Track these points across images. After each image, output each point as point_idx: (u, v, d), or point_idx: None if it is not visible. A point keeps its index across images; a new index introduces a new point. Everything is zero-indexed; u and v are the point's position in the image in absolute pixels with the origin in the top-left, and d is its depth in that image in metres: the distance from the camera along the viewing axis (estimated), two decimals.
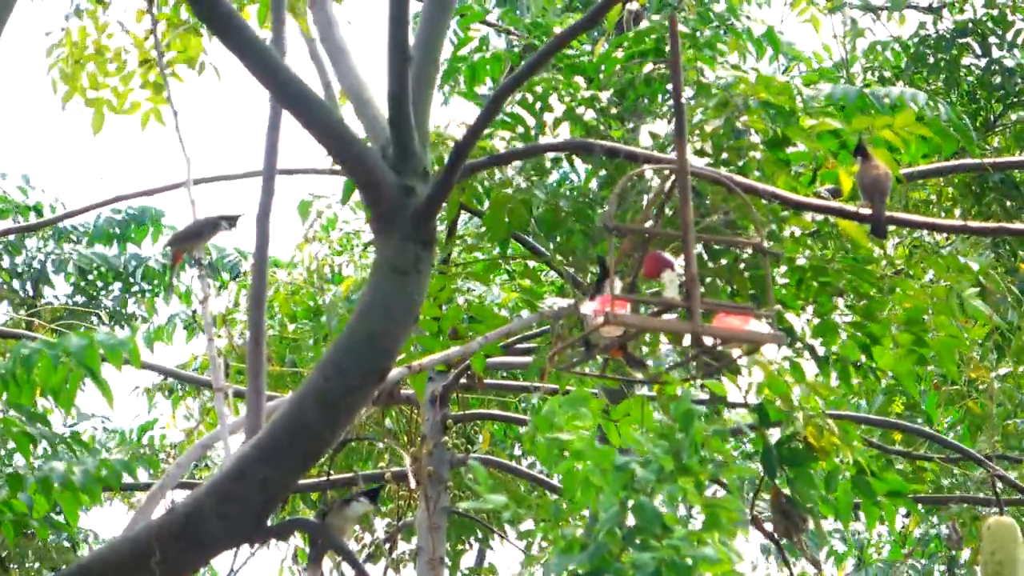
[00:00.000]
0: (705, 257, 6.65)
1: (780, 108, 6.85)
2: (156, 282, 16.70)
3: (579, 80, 7.30)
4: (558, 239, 6.95)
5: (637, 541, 4.27)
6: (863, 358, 6.99)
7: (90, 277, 16.71)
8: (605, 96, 7.16)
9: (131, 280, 16.68)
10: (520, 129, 7.33)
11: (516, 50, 9.69)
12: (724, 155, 6.76)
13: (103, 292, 16.78)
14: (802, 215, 6.74)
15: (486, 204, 7.29)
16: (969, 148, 7.67)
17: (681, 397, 4.51)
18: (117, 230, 16.72)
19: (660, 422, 4.57)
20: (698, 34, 7.40)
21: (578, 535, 4.40)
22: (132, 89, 9.99)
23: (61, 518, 8.89)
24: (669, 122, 6.97)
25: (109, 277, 16.72)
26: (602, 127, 7.10)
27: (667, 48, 7.06)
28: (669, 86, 7.09)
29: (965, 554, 14.11)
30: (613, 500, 4.36)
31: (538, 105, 7.42)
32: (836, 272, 6.76)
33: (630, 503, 4.33)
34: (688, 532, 4.30)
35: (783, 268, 6.82)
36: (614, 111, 7.16)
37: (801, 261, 6.72)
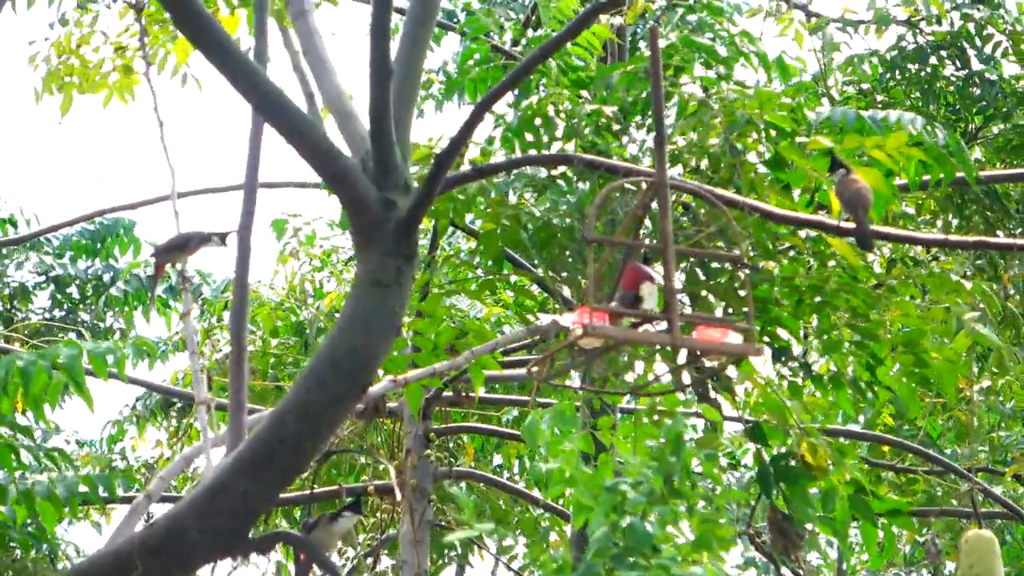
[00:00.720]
0: (701, 274, 6.67)
1: (781, 128, 6.87)
2: (134, 296, 16.63)
3: (585, 94, 7.29)
4: (551, 255, 6.95)
5: (627, 561, 4.28)
6: (865, 377, 7.00)
7: (68, 291, 16.67)
8: (609, 110, 7.15)
9: (110, 293, 16.62)
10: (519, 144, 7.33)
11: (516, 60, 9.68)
12: (719, 172, 6.77)
13: (81, 306, 16.73)
14: (797, 233, 6.75)
15: (469, 218, 7.30)
16: (967, 174, 7.67)
17: (673, 419, 4.52)
18: (98, 244, 16.66)
19: (651, 447, 4.57)
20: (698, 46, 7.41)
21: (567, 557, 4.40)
22: (105, 73, 10.03)
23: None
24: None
25: (87, 290, 16.67)
26: (600, 144, 7.10)
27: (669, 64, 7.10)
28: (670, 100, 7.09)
29: (951, 566, 14.12)
30: (603, 521, 4.37)
31: (537, 120, 7.42)
32: (833, 291, 6.77)
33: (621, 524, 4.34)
34: (678, 551, 4.31)
35: (777, 288, 6.83)
36: (616, 127, 7.15)
37: (799, 279, 6.73)
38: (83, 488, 7.01)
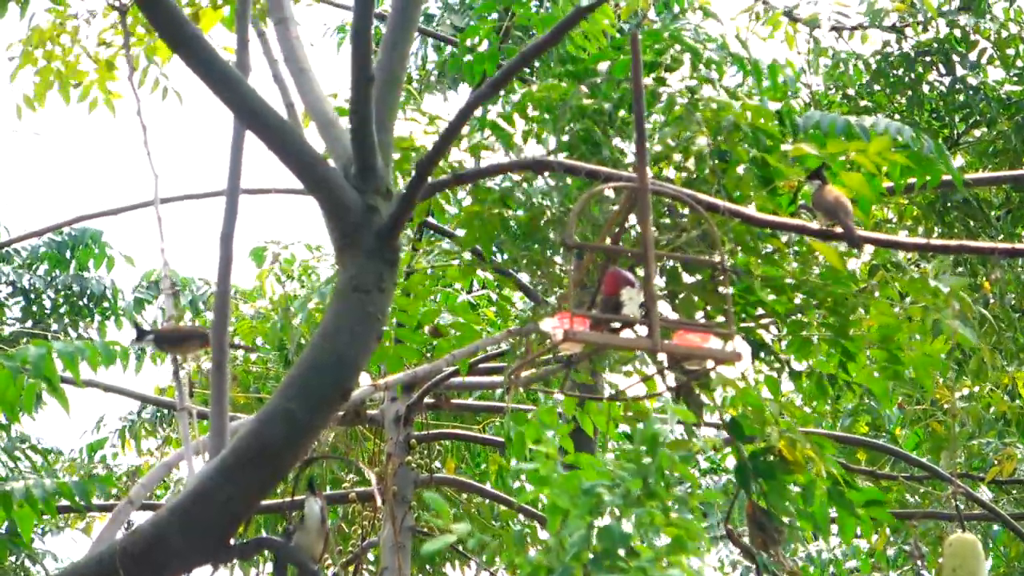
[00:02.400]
0: (681, 272, 6.67)
1: (769, 133, 6.89)
2: (105, 305, 16.56)
3: (582, 88, 7.28)
4: (532, 248, 6.95)
5: (604, 564, 4.29)
6: (839, 372, 7.02)
7: (41, 302, 16.61)
8: (608, 106, 7.15)
9: (80, 303, 16.56)
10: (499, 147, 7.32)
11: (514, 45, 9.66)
12: (706, 171, 6.79)
13: (51, 316, 16.67)
14: (778, 235, 6.77)
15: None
16: (955, 179, 7.70)
17: (648, 421, 4.53)
18: (67, 253, 16.60)
19: (625, 450, 4.58)
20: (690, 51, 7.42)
21: (543, 560, 4.41)
22: (82, 68, 10.05)
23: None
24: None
25: (58, 301, 16.62)
26: (595, 132, 7.08)
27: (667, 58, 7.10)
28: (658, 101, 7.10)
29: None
30: (580, 524, 4.38)
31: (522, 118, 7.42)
32: (815, 285, 6.79)
33: (596, 526, 4.35)
34: (655, 554, 4.31)
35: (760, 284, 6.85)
36: (606, 121, 7.14)
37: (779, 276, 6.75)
38: (60, 494, 6.98)
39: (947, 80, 12.75)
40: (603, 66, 7.18)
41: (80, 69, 10.18)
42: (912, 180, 7.80)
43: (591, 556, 4.28)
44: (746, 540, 7.16)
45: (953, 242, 8.53)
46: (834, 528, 7.52)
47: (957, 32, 12.69)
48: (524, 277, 8.40)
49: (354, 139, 6.23)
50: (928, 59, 12.71)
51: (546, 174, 6.73)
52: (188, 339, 7.91)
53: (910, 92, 12.66)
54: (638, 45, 5.70)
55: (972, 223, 12.01)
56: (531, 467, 4.51)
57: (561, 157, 6.84)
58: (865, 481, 11.78)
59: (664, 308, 6.26)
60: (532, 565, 4.33)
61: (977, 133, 12.89)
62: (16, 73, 10.16)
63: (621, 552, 4.25)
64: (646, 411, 7.10)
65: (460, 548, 12.22)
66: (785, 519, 6.88)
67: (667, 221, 6.58)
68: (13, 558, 14.08)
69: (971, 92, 12.61)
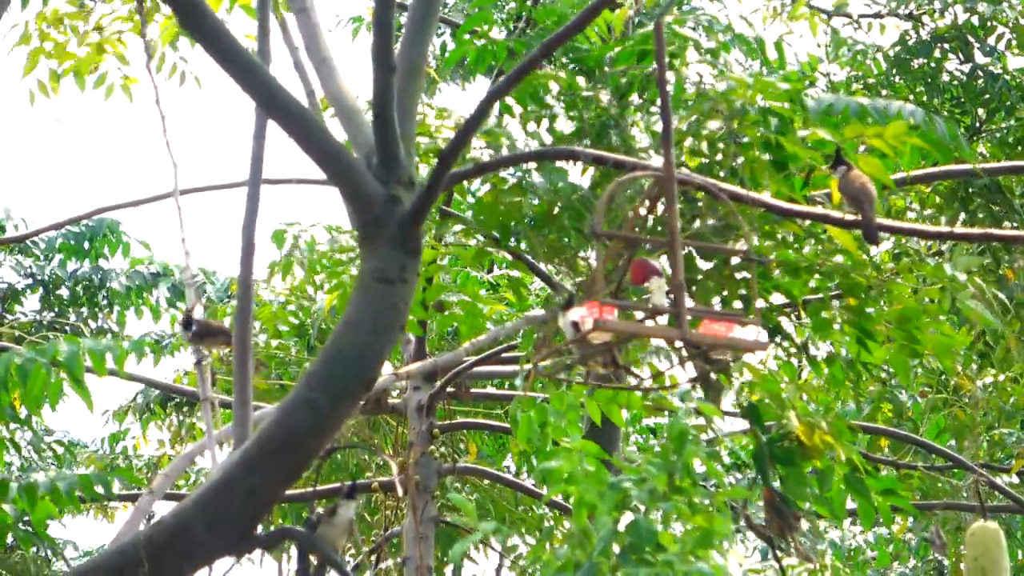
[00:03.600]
0: (697, 258, 6.66)
1: (780, 114, 6.86)
2: (125, 297, 16.58)
3: (580, 81, 7.27)
4: (549, 236, 6.93)
5: (632, 558, 4.28)
6: (857, 353, 7.01)
7: (60, 293, 16.64)
8: (605, 97, 7.13)
9: (99, 295, 16.59)
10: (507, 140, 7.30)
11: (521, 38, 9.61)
12: (719, 156, 6.77)
13: (71, 307, 16.70)
14: (794, 221, 6.75)
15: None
16: (965, 157, 7.67)
17: (674, 417, 4.52)
18: (85, 244, 16.63)
19: (652, 447, 4.58)
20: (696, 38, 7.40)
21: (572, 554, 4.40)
22: (100, 57, 10.04)
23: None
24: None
25: (77, 291, 16.64)
26: (600, 123, 7.07)
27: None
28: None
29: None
30: (607, 519, 4.36)
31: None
32: (832, 268, 6.78)
33: (624, 521, 4.34)
34: (681, 548, 4.30)
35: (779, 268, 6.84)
36: (613, 111, 7.13)
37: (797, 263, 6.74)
38: (81, 486, 6.99)
39: (966, 68, 12.70)
40: (609, 55, 7.16)
41: (92, 54, 10.16)
42: (926, 170, 7.78)
43: (618, 550, 4.27)
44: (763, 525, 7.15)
45: (977, 230, 8.51)
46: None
47: (975, 19, 12.64)
48: (542, 264, 8.37)
49: (376, 129, 6.21)
50: (946, 46, 12.65)
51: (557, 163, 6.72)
52: (217, 334, 7.92)
53: (929, 80, 12.61)
54: (662, 34, 5.68)
55: (996, 209, 11.94)
56: (555, 465, 4.49)
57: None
58: (885, 471, 11.77)
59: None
60: (561, 561, 4.32)
61: (1001, 123, 12.82)
62: (35, 59, 10.14)
63: (648, 547, 4.23)
64: (668, 403, 7.07)
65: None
66: (802, 505, 6.88)
67: (681, 207, 6.55)
68: (34, 549, 14.12)
69: (991, 79, 12.55)
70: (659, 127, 7.05)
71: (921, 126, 7.26)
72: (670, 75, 7.04)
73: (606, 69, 7.34)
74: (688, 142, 6.91)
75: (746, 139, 6.92)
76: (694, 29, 7.61)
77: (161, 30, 10.18)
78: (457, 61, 11.19)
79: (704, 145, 6.88)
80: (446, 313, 8.71)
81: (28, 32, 10.10)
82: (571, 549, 4.36)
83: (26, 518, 7.21)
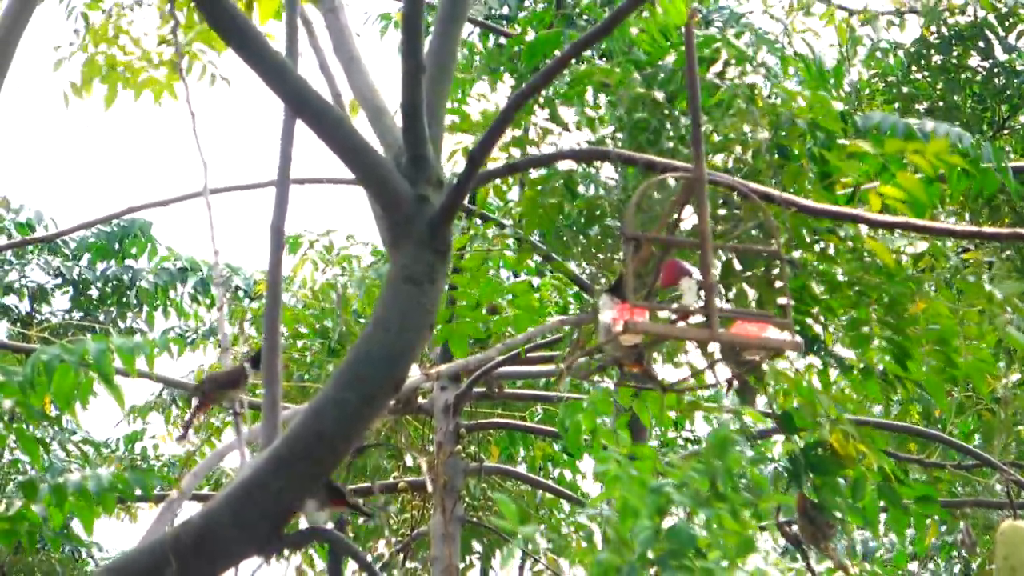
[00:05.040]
0: (737, 266, 6.64)
1: (828, 131, 6.85)
2: (153, 295, 16.63)
3: (635, 77, 7.24)
4: (589, 237, 6.92)
5: (672, 564, 4.27)
6: (895, 370, 6.98)
7: (89, 292, 16.70)
8: (659, 95, 7.11)
9: (127, 295, 16.65)
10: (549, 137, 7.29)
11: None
12: (763, 166, 6.76)
13: (100, 307, 16.75)
14: (835, 232, 6.73)
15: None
16: (1011, 189, 7.66)
17: (721, 425, 4.51)
18: (115, 245, 16.69)
19: (695, 454, 4.57)
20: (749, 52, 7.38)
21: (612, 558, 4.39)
22: (145, 68, 10.08)
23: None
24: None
25: (107, 292, 16.70)
26: (652, 121, 7.05)
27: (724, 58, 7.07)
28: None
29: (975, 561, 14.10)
30: (648, 523, 4.36)
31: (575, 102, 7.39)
32: (869, 284, 6.76)
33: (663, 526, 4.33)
34: (723, 555, 4.30)
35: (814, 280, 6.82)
36: (666, 112, 7.11)
37: (839, 276, 6.72)
38: (118, 484, 6.99)
39: (986, 65, 12.66)
40: (668, 60, 7.15)
41: (132, 63, 10.23)
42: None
43: (657, 556, 4.26)
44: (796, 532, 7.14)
45: (1006, 230, 8.48)
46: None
47: (991, 17, 12.60)
48: (574, 266, 8.37)
49: (405, 129, 6.21)
50: (966, 41, 12.61)
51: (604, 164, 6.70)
52: (240, 377, 7.83)
53: (949, 77, 12.57)
54: (692, 36, 5.67)
55: (1019, 207, 11.92)
56: (604, 469, 4.47)
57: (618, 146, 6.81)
58: (914, 474, 11.74)
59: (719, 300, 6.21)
60: (603, 566, 4.31)
61: (1022, 119, 12.79)
62: (90, 77, 10.21)
63: (688, 553, 4.23)
64: (702, 404, 7.07)
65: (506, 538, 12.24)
66: (836, 514, 6.87)
67: (723, 212, 6.55)
68: (64, 550, 14.17)
69: (1012, 75, 12.51)
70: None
71: (968, 151, 7.25)
72: (720, 82, 7.03)
73: (659, 74, 7.31)
74: (736, 150, 6.90)
75: (790, 152, 6.91)
76: (755, 42, 7.60)
77: (185, 33, 10.22)
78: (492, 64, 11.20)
79: (749, 155, 6.86)
80: (498, 317, 8.72)
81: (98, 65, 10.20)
82: (611, 553, 4.35)
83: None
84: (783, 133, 6.77)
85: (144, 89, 10.35)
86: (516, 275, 12.26)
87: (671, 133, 6.94)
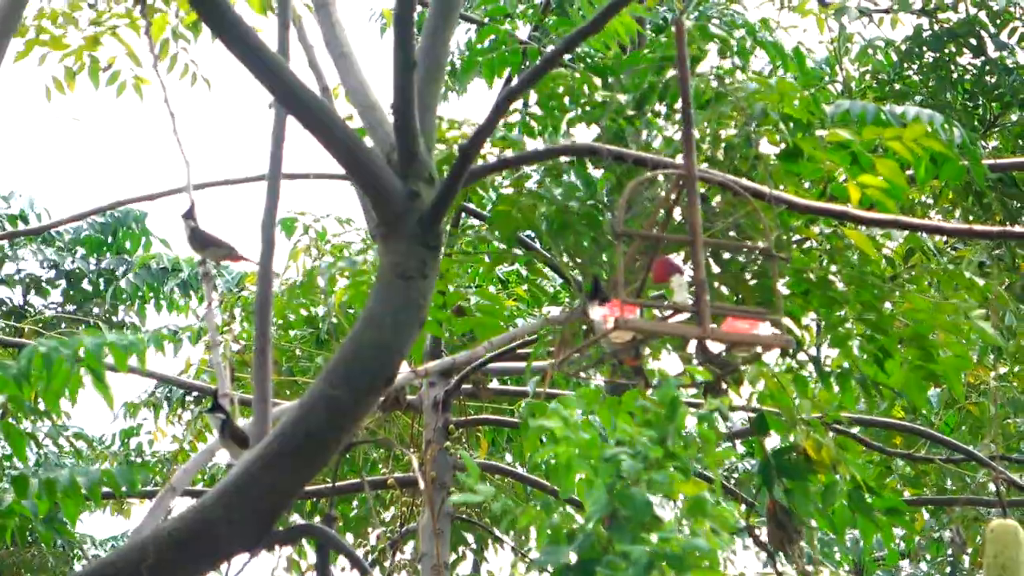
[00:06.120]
0: (712, 264, 6.64)
1: (799, 120, 6.85)
2: (148, 288, 16.61)
3: (597, 81, 7.26)
4: (567, 240, 6.93)
5: (627, 529, 4.27)
6: (874, 373, 6.99)
7: (82, 285, 16.67)
8: (623, 98, 7.12)
9: (119, 287, 16.62)
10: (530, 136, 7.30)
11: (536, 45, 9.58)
12: (735, 162, 6.76)
13: (93, 300, 16.73)
14: (810, 227, 6.74)
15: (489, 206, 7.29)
16: (976, 175, 7.64)
17: (665, 383, 4.51)
18: (109, 237, 16.66)
19: (644, 406, 4.54)
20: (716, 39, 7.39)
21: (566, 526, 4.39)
22: (95, 48, 10.09)
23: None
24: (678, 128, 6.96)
25: (100, 284, 16.67)
26: (616, 127, 7.07)
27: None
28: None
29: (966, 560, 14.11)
30: (601, 490, 4.35)
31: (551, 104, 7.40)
32: (839, 289, 6.76)
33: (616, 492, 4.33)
34: (676, 518, 4.30)
35: (787, 279, 6.82)
36: (631, 113, 7.13)
37: (810, 276, 6.72)
38: (105, 480, 6.99)
39: (978, 62, 12.67)
40: (630, 69, 7.16)
41: (87, 45, 10.24)
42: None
43: (611, 522, 4.26)
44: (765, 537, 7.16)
45: (995, 228, 8.49)
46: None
47: (983, 15, 12.60)
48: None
49: (396, 125, 6.21)
50: (958, 39, 12.61)
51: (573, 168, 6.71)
52: (220, 245, 7.99)
53: (941, 75, 12.57)
54: (683, 33, 5.68)
55: (1009, 203, 11.92)
56: (552, 424, 4.48)
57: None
58: (898, 467, 11.74)
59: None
60: (555, 530, 4.32)
61: (1014, 117, 12.80)
62: (29, 49, 10.21)
63: (644, 520, 4.23)
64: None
65: (496, 531, 12.26)
66: (807, 520, 6.88)
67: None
68: (56, 545, 14.15)
69: (1003, 73, 12.51)
70: (677, 135, 7.08)
71: (939, 132, 7.24)
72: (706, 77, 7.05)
73: (621, 78, 7.32)
74: (706, 145, 6.90)
75: (765, 142, 6.92)
76: (720, 29, 7.60)
77: (156, 27, 10.20)
78: (467, 77, 11.17)
79: (722, 149, 6.87)
80: (466, 316, 8.71)
81: (26, 26, 10.18)
82: (562, 519, 4.36)
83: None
84: (753, 126, 6.77)
85: (112, 83, 10.36)
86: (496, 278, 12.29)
87: (642, 139, 6.96)
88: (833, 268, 6.85)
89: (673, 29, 5.84)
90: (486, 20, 9.01)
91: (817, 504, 6.87)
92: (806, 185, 7.05)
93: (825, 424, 7.11)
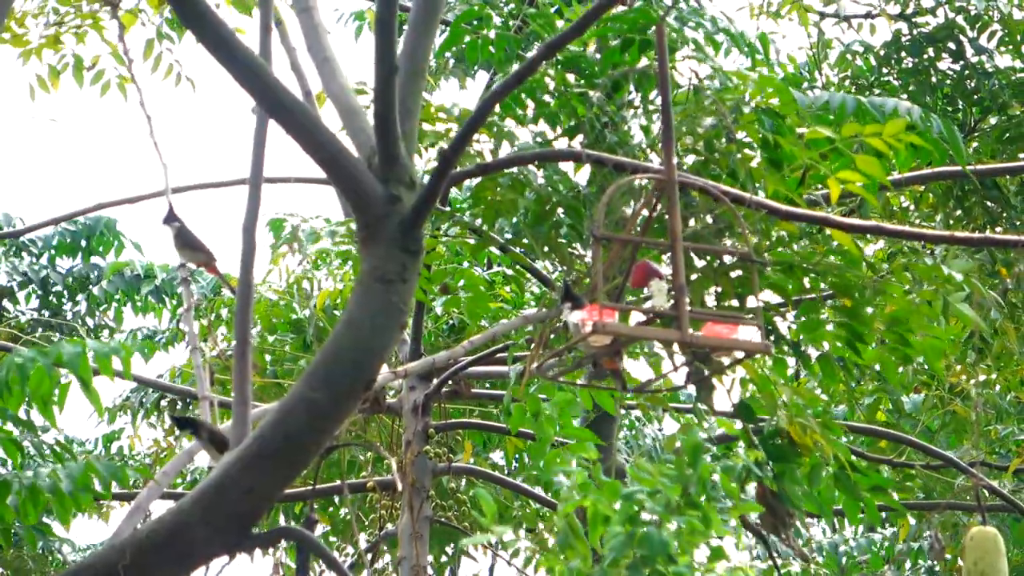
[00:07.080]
0: (693, 257, 6.65)
1: (774, 114, 6.86)
2: (123, 293, 16.56)
3: (570, 77, 7.26)
4: (546, 233, 6.93)
5: (643, 571, 4.27)
6: (848, 355, 7.00)
7: (56, 290, 16.61)
8: (595, 95, 7.13)
9: (92, 292, 16.57)
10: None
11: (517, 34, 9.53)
12: (716, 155, 6.77)
13: (67, 305, 16.67)
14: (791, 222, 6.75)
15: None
16: (958, 159, 7.66)
17: (688, 430, 4.53)
18: (81, 242, 16.61)
19: (665, 460, 4.58)
20: (689, 30, 7.40)
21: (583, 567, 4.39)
22: (57, 47, 10.09)
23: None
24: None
25: (75, 290, 16.62)
26: (595, 119, 7.07)
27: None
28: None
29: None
30: (619, 530, 4.36)
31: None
32: (821, 274, 6.78)
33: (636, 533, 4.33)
34: (692, 562, 4.31)
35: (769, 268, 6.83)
36: (607, 108, 7.13)
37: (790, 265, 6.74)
38: (93, 480, 6.99)
39: (958, 67, 12.69)
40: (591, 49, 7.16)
41: (48, 43, 10.26)
42: (920, 171, 7.76)
43: (630, 563, 4.27)
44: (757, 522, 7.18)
45: (977, 235, 8.52)
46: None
47: (960, 18, 12.63)
48: (538, 263, 8.37)
49: (377, 129, 6.22)
50: (937, 43, 12.63)
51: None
52: (199, 250, 8.00)
53: (921, 79, 12.59)
54: (664, 37, 5.68)
55: (990, 207, 11.94)
56: (566, 480, 4.47)
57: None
58: (887, 472, 11.76)
59: None
60: (573, 572, 4.31)
61: (993, 121, 12.82)
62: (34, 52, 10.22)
63: (660, 560, 4.23)
64: (660, 400, 7.09)
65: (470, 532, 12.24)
66: (796, 502, 6.91)
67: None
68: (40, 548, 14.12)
69: (983, 77, 12.54)
70: (654, 126, 7.09)
71: (918, 124, 7.26)
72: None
73: (595, 67, 7.32)
74: (687, 140, 6.91)
75: (743, 136, 6.93)
76: (694, 29, 7.60)
77: (126, 23, 10.20)
78: (449, 50, 11.07)
79: (701, 144, 6.88)
80: (451, 295, 8.68)
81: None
82: (582, 562, 4.35)
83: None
84: (732, 120, 6.78)
85: (96, 82, 10.37)
86: (488, 267, 12.27)
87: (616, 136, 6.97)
88: (813, 275, 6.86)
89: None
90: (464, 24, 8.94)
91: (804, 486, 6.90)
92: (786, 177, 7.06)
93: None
